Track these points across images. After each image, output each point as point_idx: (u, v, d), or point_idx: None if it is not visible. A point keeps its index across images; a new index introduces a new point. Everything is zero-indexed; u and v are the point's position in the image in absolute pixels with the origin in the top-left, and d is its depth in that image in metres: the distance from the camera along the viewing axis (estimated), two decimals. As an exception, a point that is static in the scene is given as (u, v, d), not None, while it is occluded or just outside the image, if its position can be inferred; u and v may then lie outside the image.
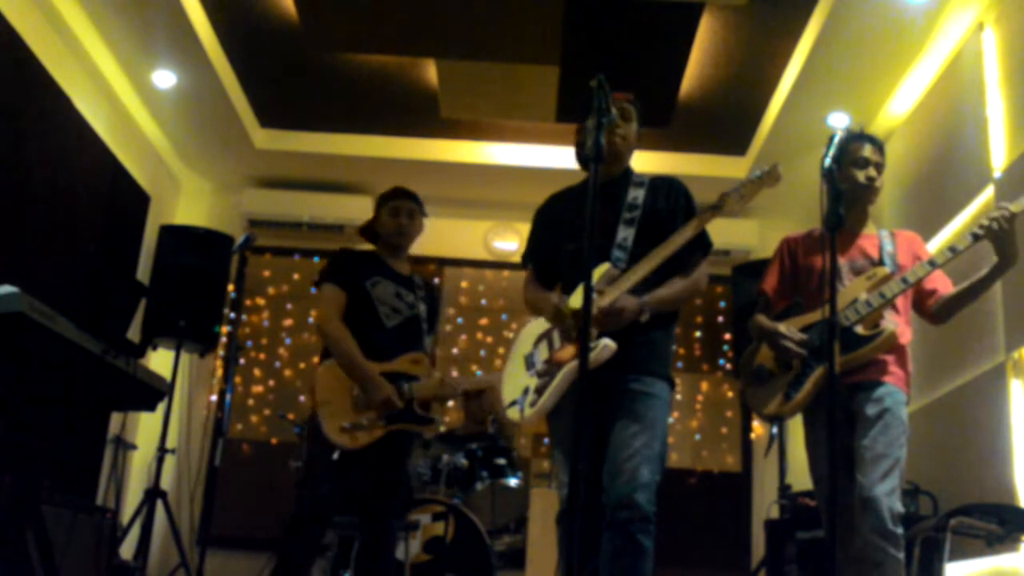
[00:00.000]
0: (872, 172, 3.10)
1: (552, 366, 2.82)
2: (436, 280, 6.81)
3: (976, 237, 2.89)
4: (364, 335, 3.59)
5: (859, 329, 2.96)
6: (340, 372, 3.58)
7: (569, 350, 2.78)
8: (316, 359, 4.05)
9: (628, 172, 3.03)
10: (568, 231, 2.95)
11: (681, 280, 2.86)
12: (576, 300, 2.78)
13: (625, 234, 2.87)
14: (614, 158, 2.97)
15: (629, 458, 2.65)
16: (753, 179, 2.84)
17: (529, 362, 2.91)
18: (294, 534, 3.46)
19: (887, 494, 2.78)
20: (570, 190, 3.12)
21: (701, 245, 2.89)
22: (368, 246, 3.91)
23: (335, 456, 3.49)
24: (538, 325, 2.98)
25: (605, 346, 2.68)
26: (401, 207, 3.80)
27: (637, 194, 2.95)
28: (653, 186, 2.98)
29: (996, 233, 2.85)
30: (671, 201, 2.95)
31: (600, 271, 2.79)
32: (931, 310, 3.12)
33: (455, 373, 6.44)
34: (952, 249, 2.93)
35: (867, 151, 3.10)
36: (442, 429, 6.27)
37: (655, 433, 2.70)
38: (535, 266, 3.12)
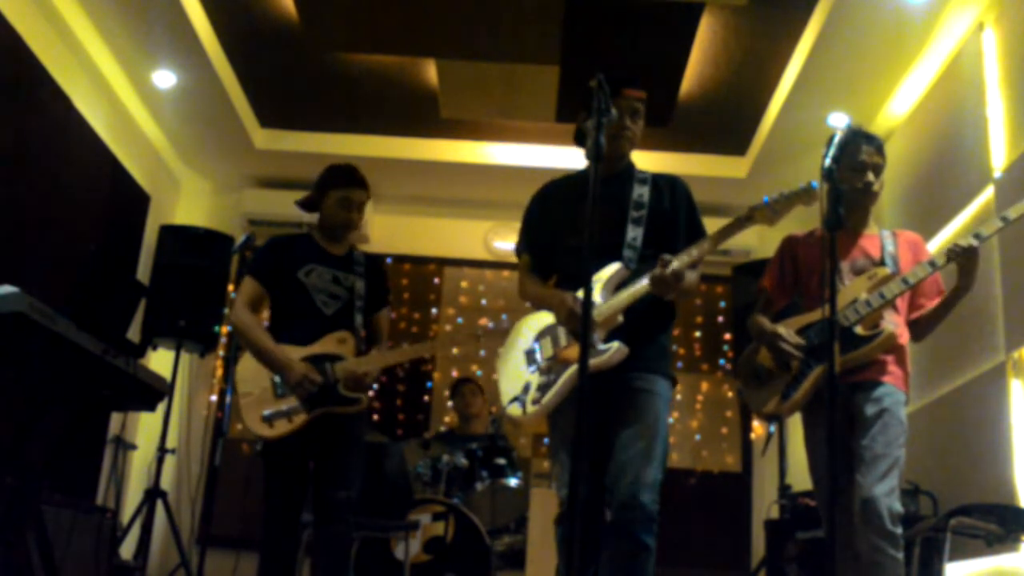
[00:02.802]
0: (869, 176, 3.08)
1: (557, 364, 2.77)
2: (436, 280, 6.82)
3: (949, 258, 2.91)
4: (302, 325, 3.49)
5: (858, 329, 2.96)
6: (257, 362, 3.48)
7: (576, 349, 2.71)
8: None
9: (631, 168, 3.02)
10: (570, 226, 2.91)
11: (697, 274, 2.87)
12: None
13: (634, 233, 2.85)
14: (617, 157, 2.97)
15: (633, 459, 2.65)
16: (788, 195, 2.74)
17: (531, 358, 2.85)
18: (267, 541, 3.37)
19: (886, 494, 2.78)
20: (568, 180, 3.09)
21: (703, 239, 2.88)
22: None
23: (258, 447, 3.38)
24: (538, 319, 2.92)
25: (618, 349, 2.67)
26: (353, 199, 3.60)
27: (642, 191, 2.93)
28: (656, 184, 2.96)
29: (959, 260, 2.88)
30: (675, 201, 2.94)
31: (612, 270, 2.78)
32: (908, 327, 3.13)
33: (455, 373, 6.45)
34: (931, 263, 2.94)
35: (864, 154, 3.08)
36: (442, 429, 6.28)
37: (658, 432, 2.70)
38: (532, 257, 3.05)
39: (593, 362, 2.61)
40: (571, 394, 2.72)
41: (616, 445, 2.70)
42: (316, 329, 3.50)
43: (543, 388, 2.76)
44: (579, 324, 2.64)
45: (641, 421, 2.70)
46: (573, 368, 2.70)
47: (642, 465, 2.64)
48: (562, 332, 2.82)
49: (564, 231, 2.94)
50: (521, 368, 2.86)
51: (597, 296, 2.76)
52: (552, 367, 2.78)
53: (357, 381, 3.48)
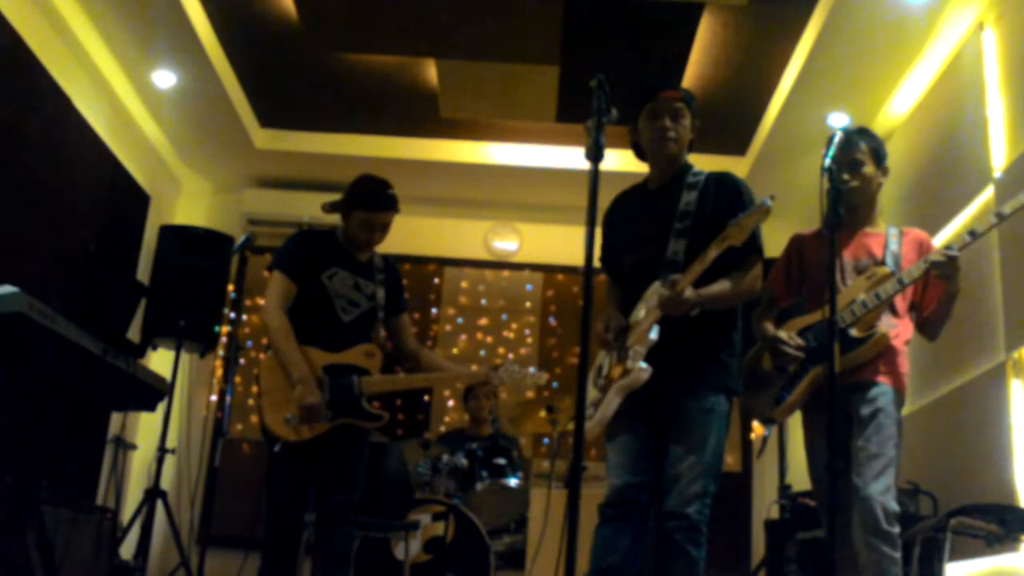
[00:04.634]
0: (843, 176, 3.00)
1: (607, 382, 2.85)
2: (436, 280, 6.82)
3: (927, 270, 2.90)
4: (320, 329, 3.46)
5: (854, 331, 2.95)
6: None
7: (617, 369, 2.82)
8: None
9: (683, 172, 2.98)
10: (625, 242, 3.00)
11: (732, 280, 2.82)
12: (632, 318, 2.87)
13: (676, 247, 2.84)
14: (668, 160, 2.97)
15: (680, 475, 2.73)
16: (747, 213, 2.71)
17: (597, 374, 2.94)
18: (270, 541, 3.36)
19: (881, 493, 2.78)
20: (633, 190, 3.11)
21: (754, 247, 2.85)
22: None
23: (276, 448, 3.35)
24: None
25: (642, 369, 2.72)
26: (375, 223, 3.54)
27: (690, 199, 2.89)
28: (706, 187, 2.92)
29: (941, 270, 2.88)
30: (719, 204, 2.86)
31: (652, 289, 2.80)
32: (920, 327, 3.13)
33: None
34: (926, 264, 2.92)
35: (857, 153, 3.07)
36: (442, 429, 6.28)
37: (706, 449, 2.75)
38: (609, 273, 3.13)
39: (623, 382, 2.75)
40: (615, 413, 2.80)
41: (667, 461, 2.77)
42: (332, 335, 3.48)
43: (595, 404, 2.85)
44: (608, 343, 2.89)
45: (690, 440, 2.75)
46: (613, 388, 2.78)
47: (690, 478, 2.71)
48: (616, 351, 2.89)
49: (622, 249, 3.02)
50: (593, 381, 2.94)
51: (641, 315, 2.82)
52: (604, 385, 2.86)
53: (382, 398, 3.51)
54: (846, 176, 3.02)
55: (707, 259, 2.73)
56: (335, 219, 3.66)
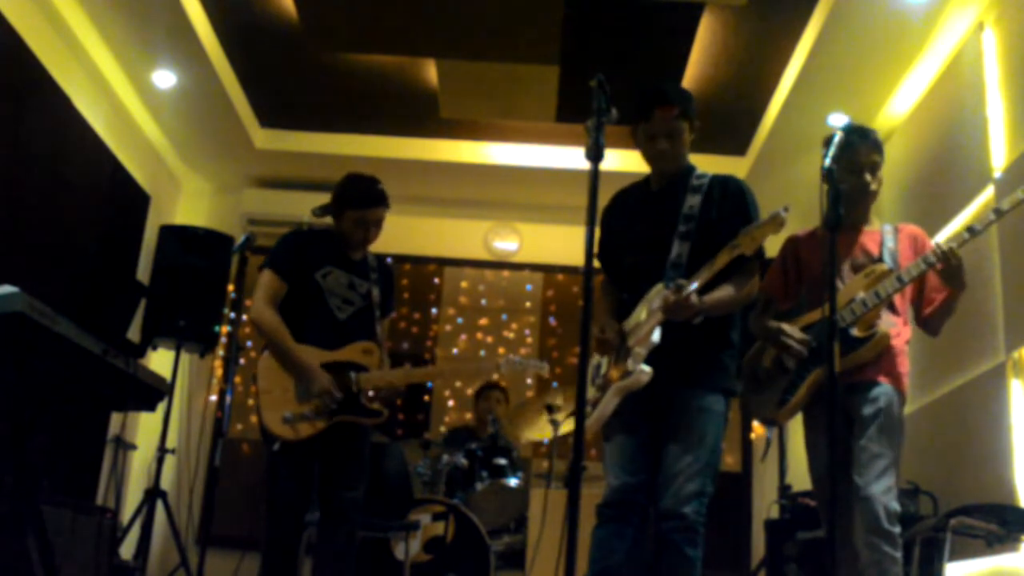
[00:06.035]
0: (866, 177, 3.05)
1: (606, 382, 2.85)
2: (436, 280, 6.82)
3: (926, 268, 2.90)
4: (316, 328, 3.47)
5: (854, 331, 2.95)
6: None
7: (617, 370, 2.82)
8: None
9: (687, 174, 2.98)
10: (625, 242, 3.00)
11: (734, 286, 2.84)
12: (632, 319, 2.87)
13: (679, 250, 2.84)
14: (669, 166, 2.97)
15: (677, 474, 2.73)
16: (760, 224, 2.72)
17: (596, 372, 2.94)
18: (270, 541, 3.37)
19: (883, 493, 2.78)
20: (635, 188, 3.10)
21: (757, 252, 2.86)
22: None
23: (275, 448, 3.36)
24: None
25: (641, 371, 2.73)
26: (370, 219, 3.57)
27: (694, 202, 2.89)
28: (710, 190, 2.92)
29: (944, 272, 2.87)
30: (723, 208, 2.89)
31: (654, 291, 2.80)
32: (923, 324, 3.13)
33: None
34: (926, 260, 2.91)
35: (861, 153, 3.06)
36: (442, 429, 6.28)
37: (703, 448, 2.76)
38: (605, 271, 3.13)
39: (623, 383, 2.75)
40: (612, 413, 2.80)
41: (664, 460, 2.78)
42: (329, 333, 3.49)
43: (594, 404, 2.85)
44: (611, 344, 2.87)
45: (689, 438, 2.76)
46: (612, 389, 2.79)
47: (686, 480, 2.71)
48: (616, 352, 2.88)
49: (622, 249, 3.01)
50: (591, 379, 2.94)
51: (642, 317, 2.82)
52: (603, 384, 2.87)
53: (381, 392, 3.49)
54: (868, 178, 3.06)
55: (715, 267, 2.74)
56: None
